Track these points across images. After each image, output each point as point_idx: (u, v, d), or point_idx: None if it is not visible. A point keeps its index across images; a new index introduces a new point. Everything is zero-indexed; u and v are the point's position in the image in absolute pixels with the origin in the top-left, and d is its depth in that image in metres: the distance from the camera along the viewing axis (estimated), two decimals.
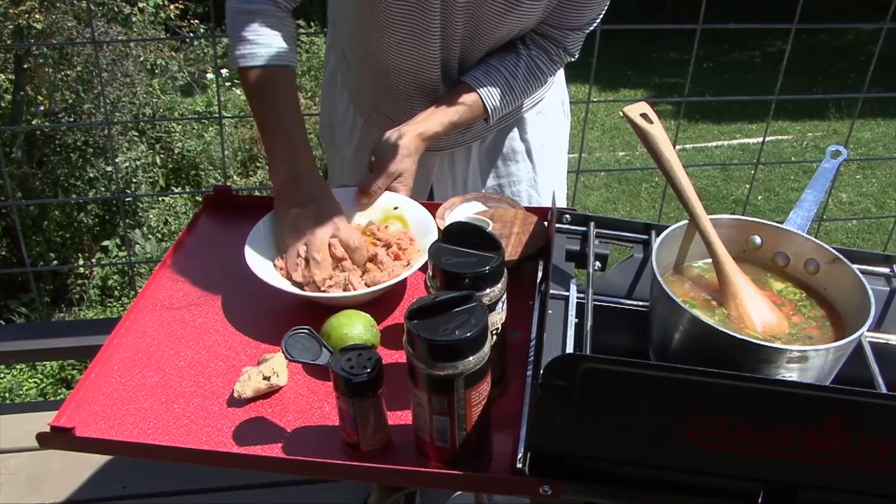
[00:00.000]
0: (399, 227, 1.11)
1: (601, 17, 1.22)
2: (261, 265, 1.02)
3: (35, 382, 4.97)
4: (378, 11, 1.12)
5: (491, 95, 1.21)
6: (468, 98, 1.20)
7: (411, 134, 1.16)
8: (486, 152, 1.39)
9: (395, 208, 1.13)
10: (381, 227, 1.10)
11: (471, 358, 0.69)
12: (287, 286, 1.00)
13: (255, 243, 1.05)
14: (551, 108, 1.41)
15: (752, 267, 0.90)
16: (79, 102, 6.44)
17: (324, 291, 1.00)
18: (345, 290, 0.99)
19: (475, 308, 0.70)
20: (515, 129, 1.38)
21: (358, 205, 1.14)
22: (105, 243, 6.19)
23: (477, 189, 1.40)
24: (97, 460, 1.70)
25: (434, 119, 1.18)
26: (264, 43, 1.11)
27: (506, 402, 0.85)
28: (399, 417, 0.84)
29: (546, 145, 1.41)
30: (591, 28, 1.23)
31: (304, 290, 1.01)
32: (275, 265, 1.04)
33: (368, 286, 1.00)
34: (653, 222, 1.00)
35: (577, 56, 1.27)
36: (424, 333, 0.68)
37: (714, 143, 7.33)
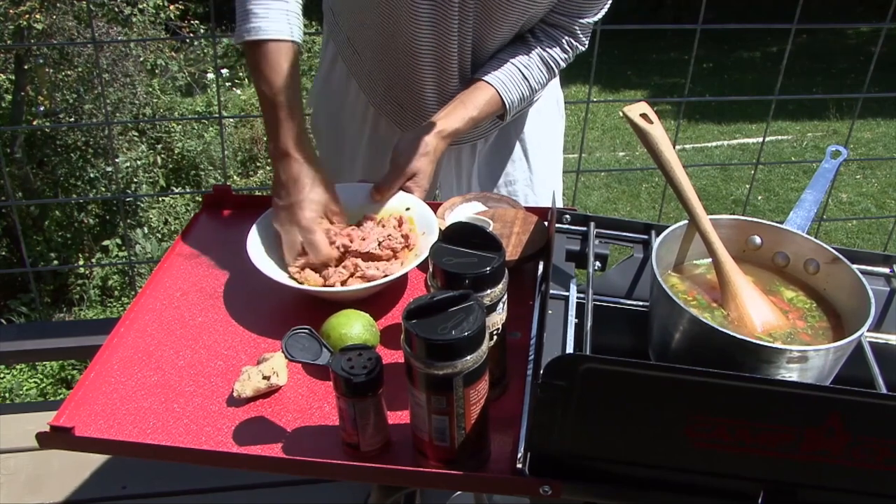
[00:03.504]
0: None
1: (609, 3, 1.22)
2: (263, 260, 1.02)
3: (35, 382, 4.98)
4: None
5: (508, 90, 1.20)
6: (486, 94, 1.19)
7: (430, 133, 1.14)
8: (487, 151, 1.39)
9: (407, 209, 1.11)
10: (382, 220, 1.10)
11: (469, 357, 0.69)
12: (289, 280, 1.00)
13: (258, 239, 1.05)
14: (547, 107, 1.41)
15: (760, 272, 0.90)
16: (79, 103, 6.44)
17: (325, 285, 1.00)
18: (343, 284, 0.99)
19: (473, 307, 0.70)
20: (512, 129, 1.38)
21: (371, 202, 1.13)
22: (105, 243, 6.19)
23: (479, 188, 1.40)
24: (97, 460, 1.70)
25: (454, 116, 1.17)
26: (269, 17, 1.08)
27: (506, 402, 0.85)
28: (399, 417, 0.84)
29: (542, 144, 1.41)
30: (600, 15, 1.23)
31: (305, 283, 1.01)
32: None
33: (368, 281, 1.00)
34: (653, 222, 1.00)
35: (586, 45, 1.28)
36: (422, 333, 0.68)
37: (714, 143, 7.34)
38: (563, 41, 1.24)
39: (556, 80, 1.42)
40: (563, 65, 1.27)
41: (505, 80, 1.20)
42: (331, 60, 1.38)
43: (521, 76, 1.21)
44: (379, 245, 1.04)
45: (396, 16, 1.15)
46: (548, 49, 1.23)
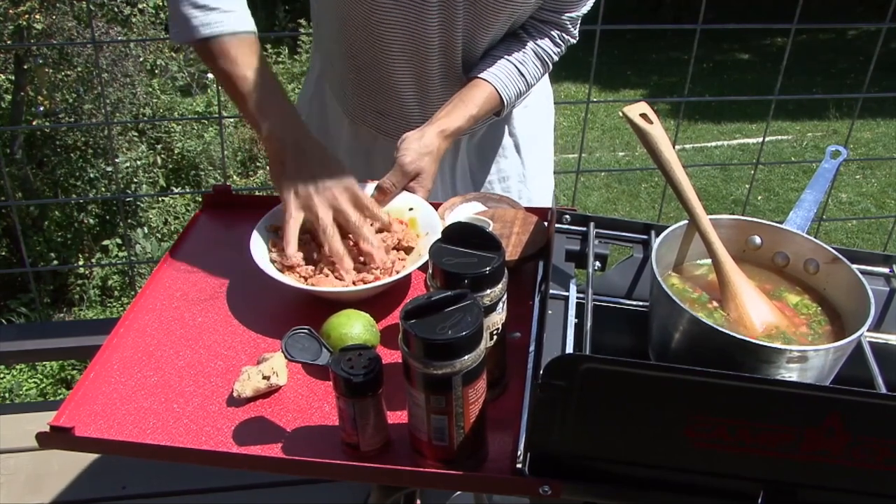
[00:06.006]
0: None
1: None
2: (265, 260, 1.02)
3: (35, 382, 4.99)
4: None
5: (505, 86, 1.21)
6: (484, 91, 1.19)
7: (432, 132, 1.14)
8: (475, 148, 1.39)
9: (410, 209, 1.11)
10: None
11: (467, 356, 0.69)
12: (289, 280, 1.00)
13: (260, 239, 1.05)
14: (537, 102, 1.41)
15: (760, 272, 0.90)
16: (79, 103, 6.45)
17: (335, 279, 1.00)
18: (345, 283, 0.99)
19: (471, 306, 0.70)
20: (504, 124, 1.38)
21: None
22: (105, 243, 6.20)
23: (466, 185, 1.40)
24: (97, 460, 1.70)
25: (455, 115, 1.16)
26: (228, 9, 1.08)
27: (505, 402, 0.85)
28: (398, 417, 0.84)
29: (534, 140, 1.42)
30: (587, 8, 1.25)
31: (306, 283, 1.00)
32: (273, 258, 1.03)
33: (367, 282, 1.00)
34: (653, 222, 0.99)
35: (577, 37, 1.29)
36: (420, 333, 0.68)
37: (714, 143, 7.34)
38: (554, 35, 1.25)
39: (546, 75, 1.42)
40: (555, 58, 1.28)
41: (502, 76, 1.20)
42: (317, 76, 1.38)
43: (517, 72, 1.22)
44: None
45: (364, 20, 1.15)
46: (540, 43, 1.24)
